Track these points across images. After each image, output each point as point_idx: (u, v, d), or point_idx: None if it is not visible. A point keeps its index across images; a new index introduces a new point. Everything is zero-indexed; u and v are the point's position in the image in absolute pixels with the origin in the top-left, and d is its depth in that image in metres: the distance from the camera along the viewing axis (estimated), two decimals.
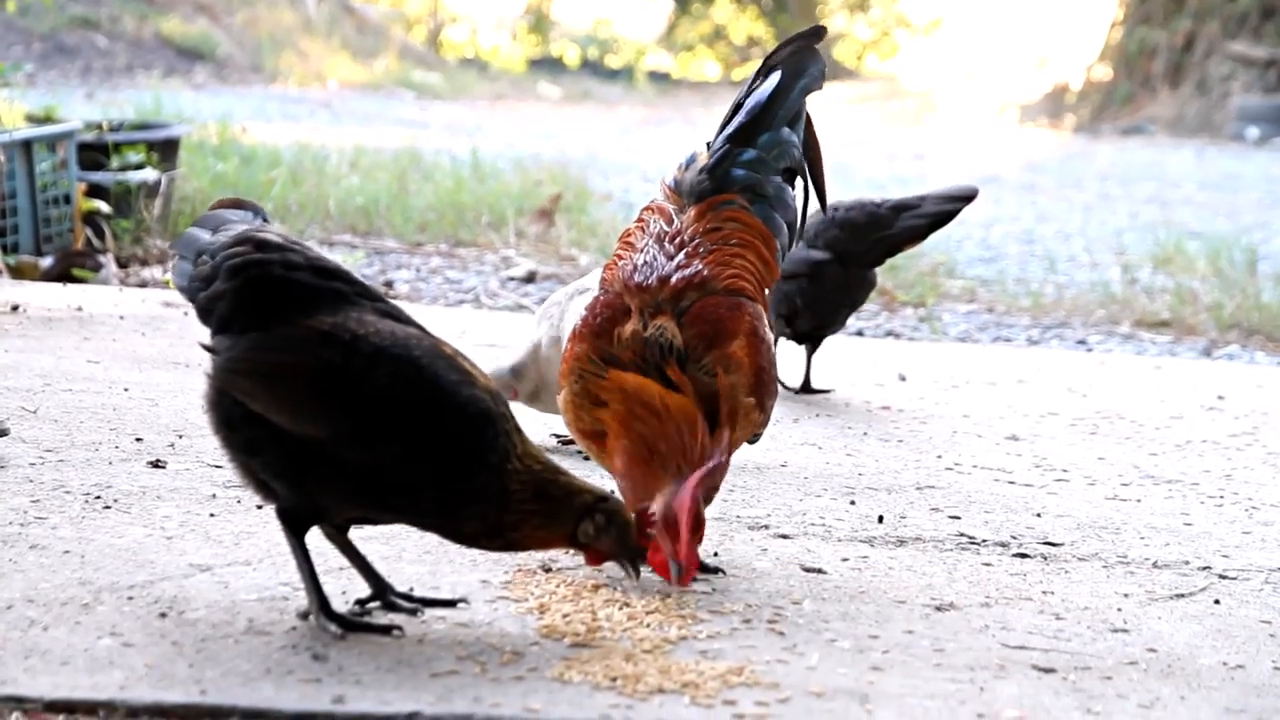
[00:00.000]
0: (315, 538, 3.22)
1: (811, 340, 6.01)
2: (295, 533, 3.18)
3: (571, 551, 3.72)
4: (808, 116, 4.05)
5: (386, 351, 3.11)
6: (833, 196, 4.38)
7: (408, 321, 3.21)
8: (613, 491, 3.38)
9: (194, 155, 10.53)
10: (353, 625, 3.19)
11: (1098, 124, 23.23)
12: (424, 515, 3.17)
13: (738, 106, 3.96)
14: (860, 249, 5.88)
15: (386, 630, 3.19)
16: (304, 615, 3.23)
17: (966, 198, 5.90)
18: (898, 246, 5.95)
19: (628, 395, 3.54)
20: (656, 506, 3.39)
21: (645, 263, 3.73)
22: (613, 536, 3.23)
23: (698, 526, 3.41)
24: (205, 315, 3.19)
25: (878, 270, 6.05)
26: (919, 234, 5.91)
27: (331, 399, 3.07)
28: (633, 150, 16.75)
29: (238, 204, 3.40)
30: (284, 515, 3.17)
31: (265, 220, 3.35)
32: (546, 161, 13.35)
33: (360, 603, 3.30)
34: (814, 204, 4.08)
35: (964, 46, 33.76)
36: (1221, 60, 22.78)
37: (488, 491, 3.12)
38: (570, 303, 4.68)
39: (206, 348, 3.18)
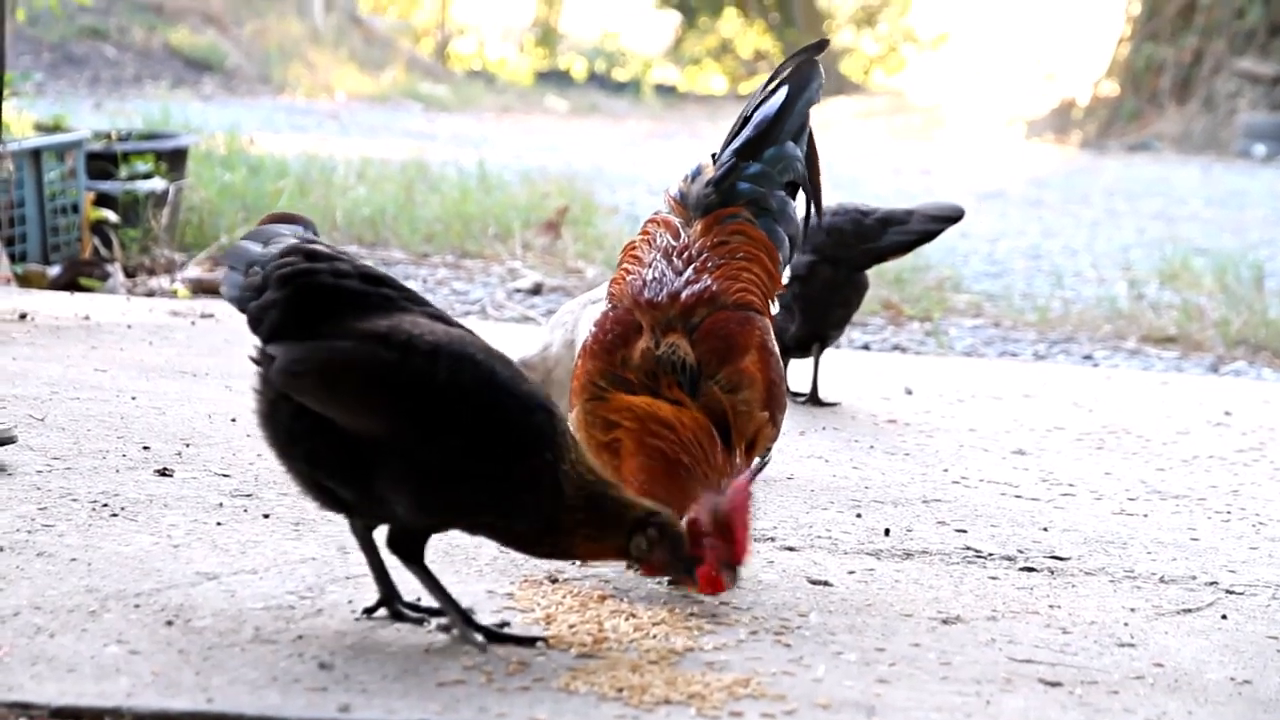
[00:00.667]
0: (339, 531, 3.22)
1: (808, 349, 6.01)
2: (413, 558, 3.23)
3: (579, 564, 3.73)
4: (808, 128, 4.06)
5: (444, 349, 3.14)
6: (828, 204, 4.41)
7: (454, 324, 3.24)
8: None
9: (202, 165, 10.54)
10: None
11: (1104, 140, 23.24)
12: (479, 511, 3.18)
13: (745, 120, 3.97)
14: (846, 256, 5.94)
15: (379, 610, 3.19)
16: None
17: (953, 218, 6.02)
18: (882, 257, 6.09)
19: (639, 415, 3.54)
20: (702, 514, 3.38)
21: (654, 278, 3.72)
22: (666, 550, 3.22)
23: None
24: (255, 325, 3.21)
25: (877, 283, 6.08)
26: (903, 249, 6.07)
27: (393, 395, 3.10)
28: (639, 163, 16.76)
29: (288, 218, 3.42)
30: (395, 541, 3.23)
31: (315, 234, 3.38)
32: (553, 174, 13.37)
33: (368, 611, 3.30)
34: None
35: (971, 62, 33.77)
36: (1228, 77, 22.78)
37: (540, 486, 3.14)
38: (584, 311, 4.68)
39: (257, 360, 3.19)
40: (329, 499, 3.20)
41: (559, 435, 3.18)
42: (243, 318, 3.23)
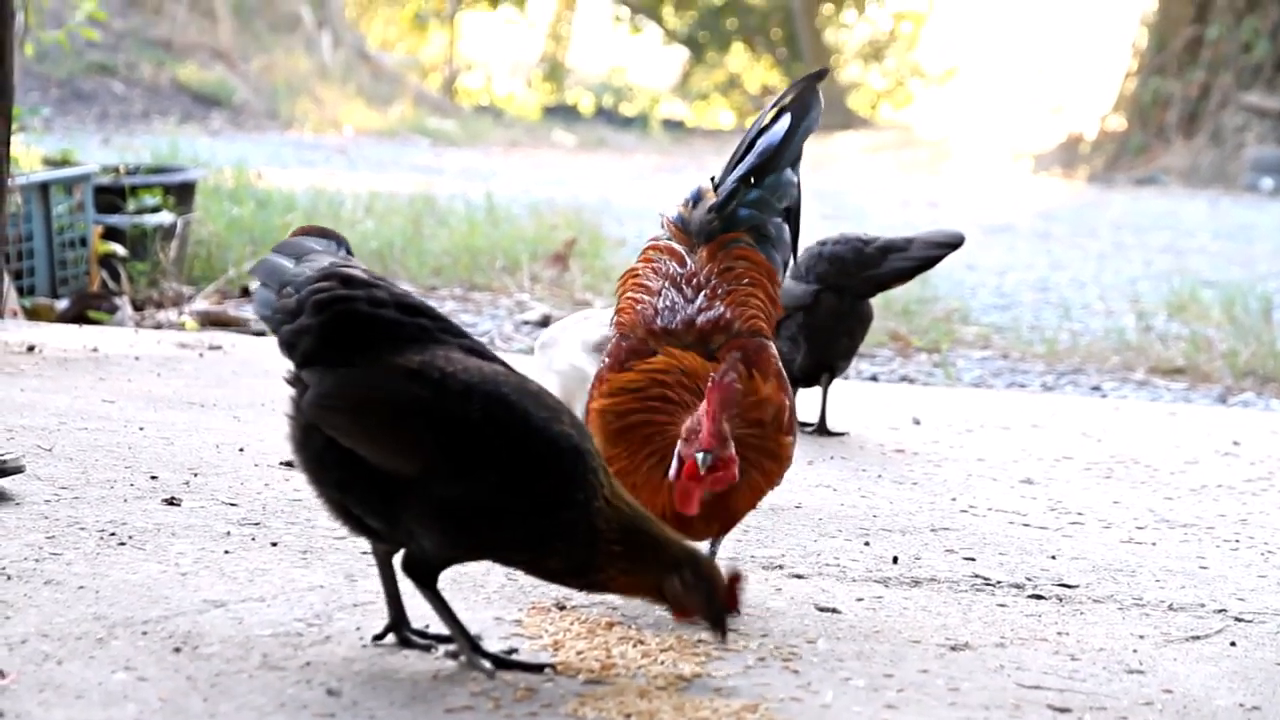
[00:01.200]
0: (347, 555, 3.21)
1: (816, 380, 6.02)
2: (426, 583, 3.21)
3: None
4: None
5: (477, 388, 3.11)
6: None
7: (492, 358, 3.22)
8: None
9: (210, 199, 10.57)
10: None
11: (1112, 174, 23.24)
12: (510, 550, 3.17)
13: (749, 146, 3.97)
14: (848, 284, 5.95)
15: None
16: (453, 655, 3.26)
17: (953, 244, 6.03)
18: (884, 285, 6.09)
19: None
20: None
21: (666, 306, 3.72)
22: (700, 595, 3.17)
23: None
24: (288, 349, 3.19)
25: (885, 315, 6.09)
26: (904, 275, 6.08)
27: (424, 435, 3.09)
28: (646, 196, 16.76)
29: (321, 232, 3.40)
30: (411, 564, 3.21)
31: (349, 251, 3.35)
32: (561, 207, 13.40)
33: (376, 637, 3.30)
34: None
35: (979, 96, 33.81)
36: (1236, 111, 22.80)
37: (574, 528, 3.11)
38: (586, 324, 4.69)
39: (291, 381, 3.18)
40: (358, 525, 3.20)
41: (592, 474, 3.14)
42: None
